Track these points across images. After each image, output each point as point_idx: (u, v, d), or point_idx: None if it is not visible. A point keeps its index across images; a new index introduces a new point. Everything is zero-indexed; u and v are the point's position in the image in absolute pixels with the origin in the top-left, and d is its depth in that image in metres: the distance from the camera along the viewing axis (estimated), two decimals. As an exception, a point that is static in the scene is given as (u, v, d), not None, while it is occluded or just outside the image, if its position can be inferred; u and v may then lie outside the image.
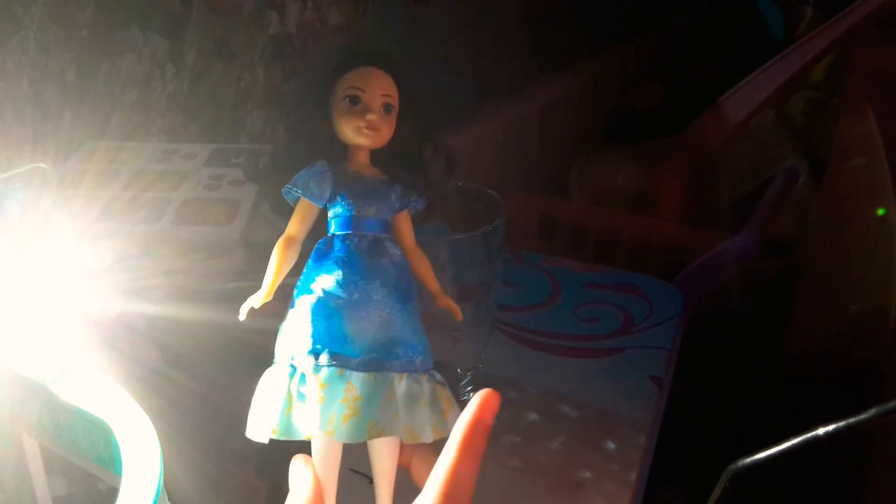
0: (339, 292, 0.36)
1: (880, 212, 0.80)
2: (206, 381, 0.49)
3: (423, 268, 0.41)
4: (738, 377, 0.91)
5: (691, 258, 0.81)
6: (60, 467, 0.46)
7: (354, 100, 0.38)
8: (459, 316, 0.41)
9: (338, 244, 0.37)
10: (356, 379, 0.34)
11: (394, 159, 0.40)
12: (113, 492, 0.32)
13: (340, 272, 0.36)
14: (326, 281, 0.36)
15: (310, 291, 0.36)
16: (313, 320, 0.35)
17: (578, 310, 0.68)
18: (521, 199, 0.94)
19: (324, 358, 0.35)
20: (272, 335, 0.38)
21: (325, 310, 0.36)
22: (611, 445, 0.53)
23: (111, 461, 0.35)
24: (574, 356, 0.62)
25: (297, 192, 0.39)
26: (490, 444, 0.46)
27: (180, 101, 0.73)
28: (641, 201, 1.03)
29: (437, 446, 0.34)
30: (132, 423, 0.35)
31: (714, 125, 1.03)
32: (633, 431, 0.54)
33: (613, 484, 0.50)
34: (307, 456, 0.35)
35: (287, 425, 0.34)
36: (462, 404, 0.56)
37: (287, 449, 0.37)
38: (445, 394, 0.37)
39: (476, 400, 0.32)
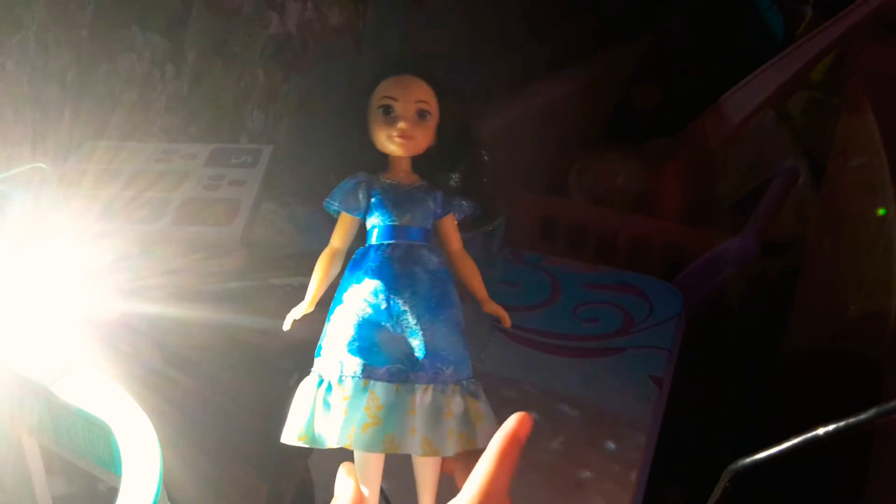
0: (368, 302, 0.36)
1: (881, 212, 0.80)
2: (206, 381, 0.49)
3: (469, 273, 0.41)
4: (738, 377, 0.91)
5: (691, 258, 0.81)
6: (60, 467, 0.46)
7: (387, 109, 0.38)
8: (507, 321, 0.41)
9: (371, 254, 0.38)
10: (379, 388, 0.35)
11: (436, 165, 0.40)
12: (113, 492, 0.32)
13: (371, 282, 0.37)
14: (357, 291, 0.37)
15: (341, 301, 0.37)
16: (342, 330, 0.36)
17: (578, 310, 0.68)
18: (521, 199, 0.94)
19: (349, 368, 0.35)
20: (272, 335, 0.39)
21: (353, 319, 0.36)
22: (611, 445, 0.53)
23: (111, 461, 0.35)
24: (574, 356, 0.62)
25: (334, 205, 0.39)
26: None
27: (180, 101, 0.73)
28: (641, 201, 1.03)
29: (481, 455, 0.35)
30: (132, 423, 0.35)
31: (714, 125, 1.03)
32: (633, 431, 0.54)
33: (613, 484, 0.50)
34: (352, 464, 0.36)
35: (313, 434, 0.35)
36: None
37: (287, 450, 0.37)
38: (477, 406, 0.36)
39: (513, 418, 0.34)
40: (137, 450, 0.33)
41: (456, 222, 0.41)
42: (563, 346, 0.63)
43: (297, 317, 0.38)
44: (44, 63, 0.61)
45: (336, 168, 0.40)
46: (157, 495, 0.32)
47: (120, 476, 0.33)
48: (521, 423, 0.34)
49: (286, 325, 0.38)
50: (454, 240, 0.41)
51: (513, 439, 0.34)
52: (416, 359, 0.36)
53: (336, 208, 0.39)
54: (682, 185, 1.02)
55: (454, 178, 0.40)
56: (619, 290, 0.71)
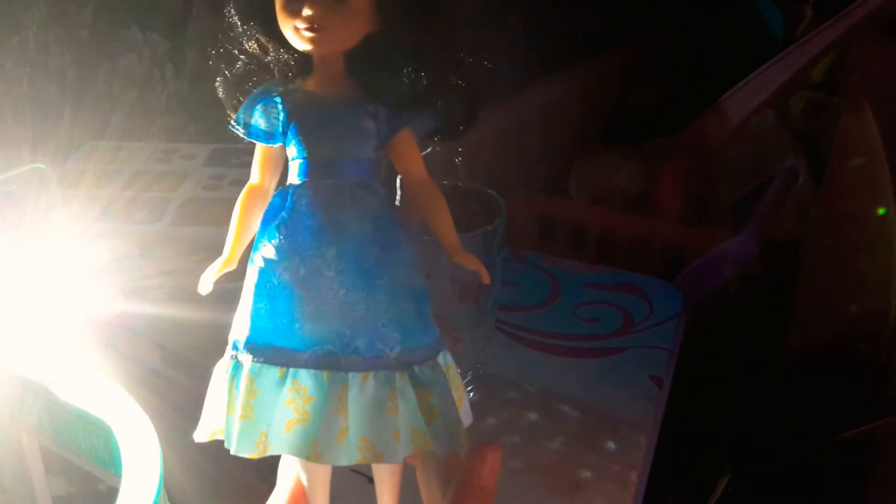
0: (283, 266, 0.28)
1: (881, 211, 0.80)
2: (206, 381, 0.49)
3: (434, 213, 0.31)
4: (738, 377, 0.91)
5: (691, 258, 0.81)
6: (60, 467, 0.46)
7: None
8: (486, 277, 0.32)
9: (286, 199, 0.29)
10: (305, 378, 0.27)
11: (379, 62, 0.28)
12: (113, 492, 0.32)
13: (283, 238, 0.28)
14: (269, 250, 0.28)
15: (252, 264, 0.29)
16: (255, 301, 0.28)
17: (578, 310, 0.68)
18: (521, 199, 0.94)
19: (259, 353, 0.28)
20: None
21: (267, 288, 0.28)
22: (611, 445, 0.53)
23: (111, 461, 0.35)
24: (574, 356, 0.62)
25: (239, 130, 0.30)
26: (490, 444, 0.45)
27: (180, 101, 0.73)
28: (641, 201, 1.03)
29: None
30: (132, 423, 0.35)
31: (714, 125, 1.03)
32: (633, 431, 0.54)
33: (613, 484, 0.50)
34: None
35: (230, 431, 0.28)
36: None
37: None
38: (429, 400, 0.28)
39: (475, 461, 0.28)
40: (137, 450, 0.33)
41: (415, 141, 0.30)
42: (563, 346, 0.63)
43: (215, 277, 0.30)
44: (44, 63, 0.61)
45: (244, 80, 0.29)
46: (157, 495, 0.32)
47: (120, 476, 0.33)
48: (487, 466, 0.28)
49: (204, 288, 0.30)
50: (414, 166, 0.30)
51: (476, 492, 0.28)
52: (348, 340, 0.28)
53: (244, 134, 0.30)
54: (682, 185, 1.02)
55: (408, 79, 0.28)
56: (619, 290, 0.71)
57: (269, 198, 0.30)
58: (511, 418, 0.55)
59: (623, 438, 0.54)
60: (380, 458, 0.27)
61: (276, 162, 0.30)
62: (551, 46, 1.09)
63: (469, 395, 0.56)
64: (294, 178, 0.29)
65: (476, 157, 0.93)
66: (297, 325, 0.28)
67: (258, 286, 0.28)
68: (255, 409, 0.28)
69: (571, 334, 0.65)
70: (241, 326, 0.29)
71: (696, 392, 0.75)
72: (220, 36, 0.30)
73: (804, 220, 1.01)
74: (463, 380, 0.56)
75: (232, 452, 0.28)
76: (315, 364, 0.27)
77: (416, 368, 0.28)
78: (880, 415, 0.68)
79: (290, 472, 0.30)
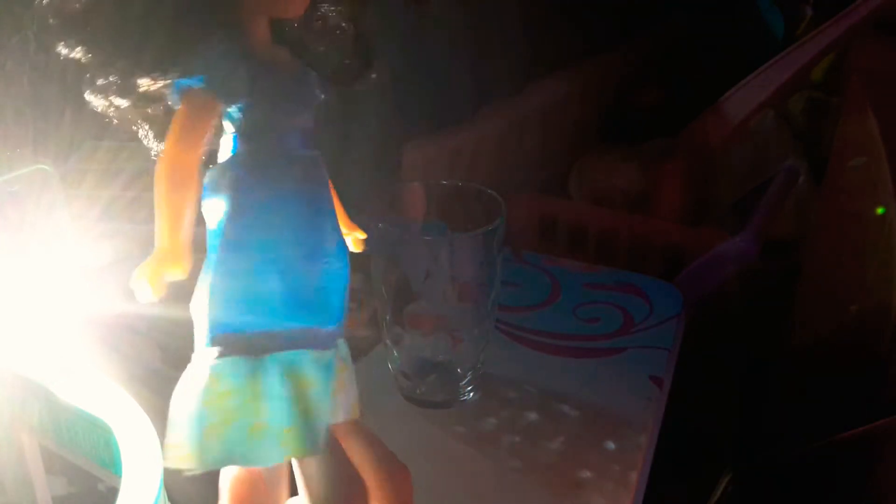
0: (274, 244, 0.26)
1: (880, 211, 0.80)
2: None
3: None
4: (738, 377, 0.91)
5: (691, 258, 0.81)
6: (60, 467, 0.46)
7: None
8: (363, 233, 0.32)
9: (264, 168, 0.26)
10: (266, 367, 0.25)
11: (315, 31, 0.28)
12: (113, 492, 0.32)
13: (253, 215, 0.26)
14: (253, 229, 0.26)
15: (225, 247, 0.26)
16: (220, 291, 0.26)
17: (578, 310, 0.68)
18: (521, 199, 0.94)
19: (231, 343, 0.25)
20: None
21: (236, 274, 0.26)
22: (611, 445, 0.53)
23: (111, 461, 0.35)
24: (574, 356, 0.62)
25: (199, 84, 0.25)
26: (490, 444, 0.46)
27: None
28: (641, 201, 1.03)
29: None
30: (132, 423, 0.35)
31: (714, 125, 1.03)
32: (633, 431, 0.54)
33: (613, 484, 0.50)
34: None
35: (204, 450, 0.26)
36: (462, 404, 0.56)
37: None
38: (344, 374, 0.27)
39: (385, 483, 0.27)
40: (137, 450, 0.33)
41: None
42: (563, 346, 0.63)
43: (169, 278, 0.25)
44: (44, 63, 0.61)
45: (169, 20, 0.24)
46: (157, 495, 0.32)
47: (120, 476, 0.33)
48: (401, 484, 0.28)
49: (150, 294, 0.24)
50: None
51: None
52: (326, 317, 0.26)
53: (206, 89, 0.25)
54: (682, 185, 1.02)
55: (333, 50, 0.28)
56: (619, 290, 0.71)
57: (195, 171, 0.26)
58: (511, 418, 0.55)
59: (623, 438, 0.54)
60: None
61: (207, 130, 0.26)
62: (551, 46, 1.09)
63: (469, 394, 0.56)
64: (248, 145, 0.26)
65: (476, 157, 0.93)
66: (269, 310, 0.26)
67: (225, 272, 0.26)
68: (235, 412, 0.26)
69: (571, 334, 0.65)
70: (203, 322, 0.26)
71: (696, 392, 0.75)
72: None
73: (804, 220, 1.01)
74: (463, 380, 0.56)
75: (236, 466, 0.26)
76: (287, 345, 0.26)
77: (339, 342, 0.28)
78: (881, 415, 0.68)
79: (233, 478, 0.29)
